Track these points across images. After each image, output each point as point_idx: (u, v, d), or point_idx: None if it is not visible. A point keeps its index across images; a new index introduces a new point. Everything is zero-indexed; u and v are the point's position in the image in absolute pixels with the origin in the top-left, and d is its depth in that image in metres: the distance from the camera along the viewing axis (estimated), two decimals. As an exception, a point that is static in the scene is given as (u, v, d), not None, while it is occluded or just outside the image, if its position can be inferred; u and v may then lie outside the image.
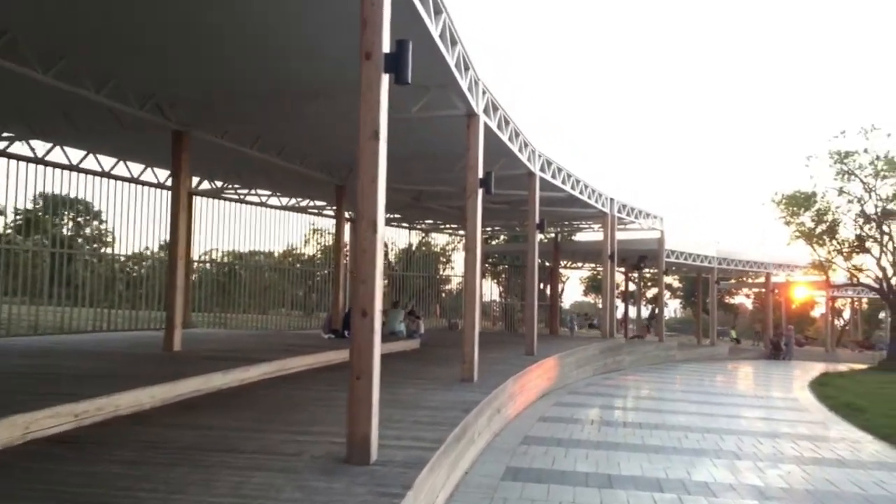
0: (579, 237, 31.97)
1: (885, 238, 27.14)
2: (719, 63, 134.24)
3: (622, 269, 33.52)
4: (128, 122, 11.39)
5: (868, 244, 27.94)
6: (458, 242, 34.19)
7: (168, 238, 13.20)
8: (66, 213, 18.83)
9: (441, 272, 36.29)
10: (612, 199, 20.94)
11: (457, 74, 8.65)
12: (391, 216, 26.21)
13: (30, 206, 16.25)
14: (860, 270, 29.16)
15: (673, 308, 65.88)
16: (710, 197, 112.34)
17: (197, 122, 11.55)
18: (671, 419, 10.90)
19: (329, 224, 23.53)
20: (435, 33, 7.33)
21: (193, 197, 18.67)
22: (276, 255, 25.11)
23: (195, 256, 20.25)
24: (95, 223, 23.88)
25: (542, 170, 14.91)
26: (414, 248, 33.18)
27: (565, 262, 37.99)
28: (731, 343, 33.05)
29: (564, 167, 16.57)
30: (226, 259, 22.89)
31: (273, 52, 9.09)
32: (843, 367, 27.22)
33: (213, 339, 14.22)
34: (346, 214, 19.52)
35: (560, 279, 38.70)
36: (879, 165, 26.51)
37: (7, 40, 8.46)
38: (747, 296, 59.00)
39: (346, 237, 19.92)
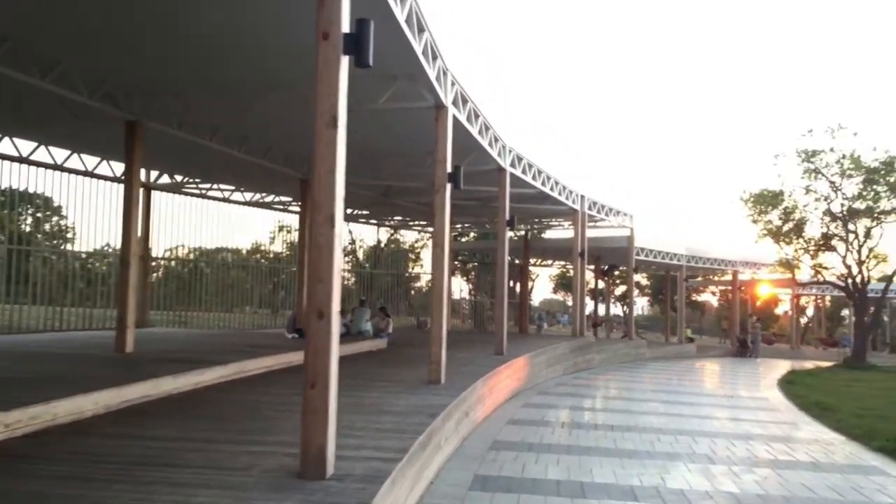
0: (549, 234, 31.87)
1: (851, 236, 27.38)
2: (689, 61, 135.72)
3: (591, 267, 33.47)
4: (78, 112, 10.80)
5: (834, 242, 28.17)
6: (428, 240, 33.87)
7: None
8: (24, 208, 18.10)
9: (410, 270, 35.90)
10: (582, 197, 20.76)
11: (424, 63, 8.28)
12: (359, 212, 25.76)
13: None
14: (826, 268, 29.41)
15: (640, 306, 66.46)
16: (679, 195, 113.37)
17: (151, 112, 11.02)
18: (643, 421, 10.67)
19: (295, 220, 23.01)
20: (400, 17, 6.95)
21: (152, 192, 18.05)
22: (243, 252, 24.54)
23: (158, 253, 19.63)
24: (56, 219, 23.13)
25: (512, 165, 14.62)
26: (383, 245, 32.78)
27: (535, 260, 37.87)
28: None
29: (535, 163, 16.30)
30: (191, 256, 22.24)
31: (229, 39, 8.63)
32: (809, 365, 27.40)
33: (170, 340, 13.67)
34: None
35: (530, 277, 38.57)
36: (845, 164, 26.69)
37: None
38: (713, 293, 59.64)
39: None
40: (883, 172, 26.21)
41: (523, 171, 15.59)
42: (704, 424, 10.74)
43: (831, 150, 26.71)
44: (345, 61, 4.53)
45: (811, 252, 29.28)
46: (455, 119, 10.10)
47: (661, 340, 35.67)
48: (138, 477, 4.31)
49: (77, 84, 9.89)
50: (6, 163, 14.11)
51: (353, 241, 30.94)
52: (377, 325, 17.38)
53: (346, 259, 31.29)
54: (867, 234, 27.18)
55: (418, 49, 7.95)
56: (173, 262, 22.14)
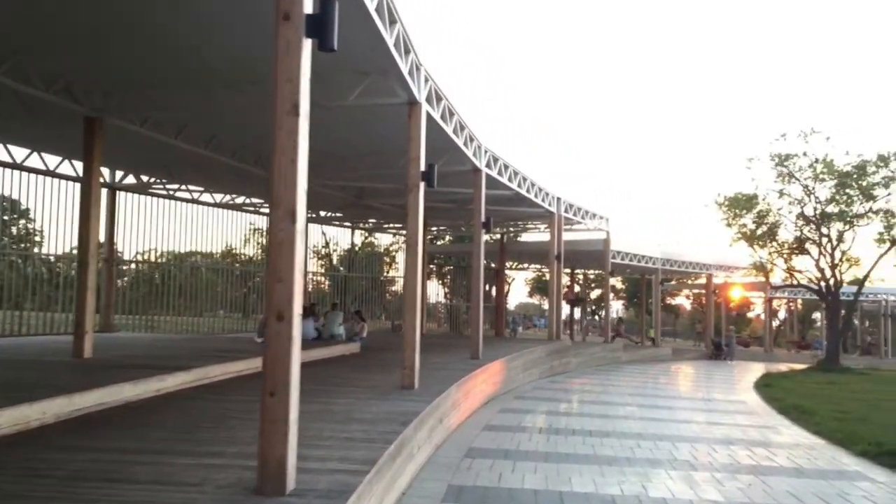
0: (525, 237, 31.69)
1: (825, 240, 27.51)
2: (665, 66, 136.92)
3: (567, 271, 33.35)
4: (34, 107, 10.31)
5: (807, 246, 28.29)
6: (403, 242, 33.44)
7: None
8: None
9: (385, 273, 35.48)
10: (558, 199, 20.57)
11: (397, 56, 7.97)
12: (332, 215, 25.36)
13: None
14: (799, 272, 29.53)
15: (615, 309, 66.63)
16: (655, 198, 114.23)
17: (112, 108, 10.54)
18: (622, 425, 10.43)
19: (267, 222, 22.51)
20: (370, 6, 6.63)
21: (117, 192, 17.50)
22: (215, 255, 23.96)
23: (127, 256, 19.05)
24: (23, 222, 22.39)
25: (488, 166, 14.36)
26: (357, 248, 32.35)
27: (511, 263, 37.67)
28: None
29: (511, 164, 16.06)
30: (161, 259, 21.63)
31: (194, 32, 8.24)
32: (783, 367, 27.51)
33: (134, 345, 13.17)
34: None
35: (506, 280, 38.35)
36: (818, 168, 26.81)
37: None
38: (687, 297, 59.94)
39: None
40: (855, 177, 26.38)
41: (499, 173, 15.34)
42: (684, 429, 10.54)
43: (804, 153, 26.84)
44: (307, 44, 4.21)
45: (785, 255, 29.39)
46: (429, 116, 9.80)
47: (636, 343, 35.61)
48: (80, 495, 3.94)
49: (32, 78, 9.42)
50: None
51: (327, 244, 30.48)
52: (351, 328, 16.99)
53: (321, 262, 30.80)
54: (840, 238, 27.32)
55: (390, 41, 7.63)
56: (142, 266, 21.51)
